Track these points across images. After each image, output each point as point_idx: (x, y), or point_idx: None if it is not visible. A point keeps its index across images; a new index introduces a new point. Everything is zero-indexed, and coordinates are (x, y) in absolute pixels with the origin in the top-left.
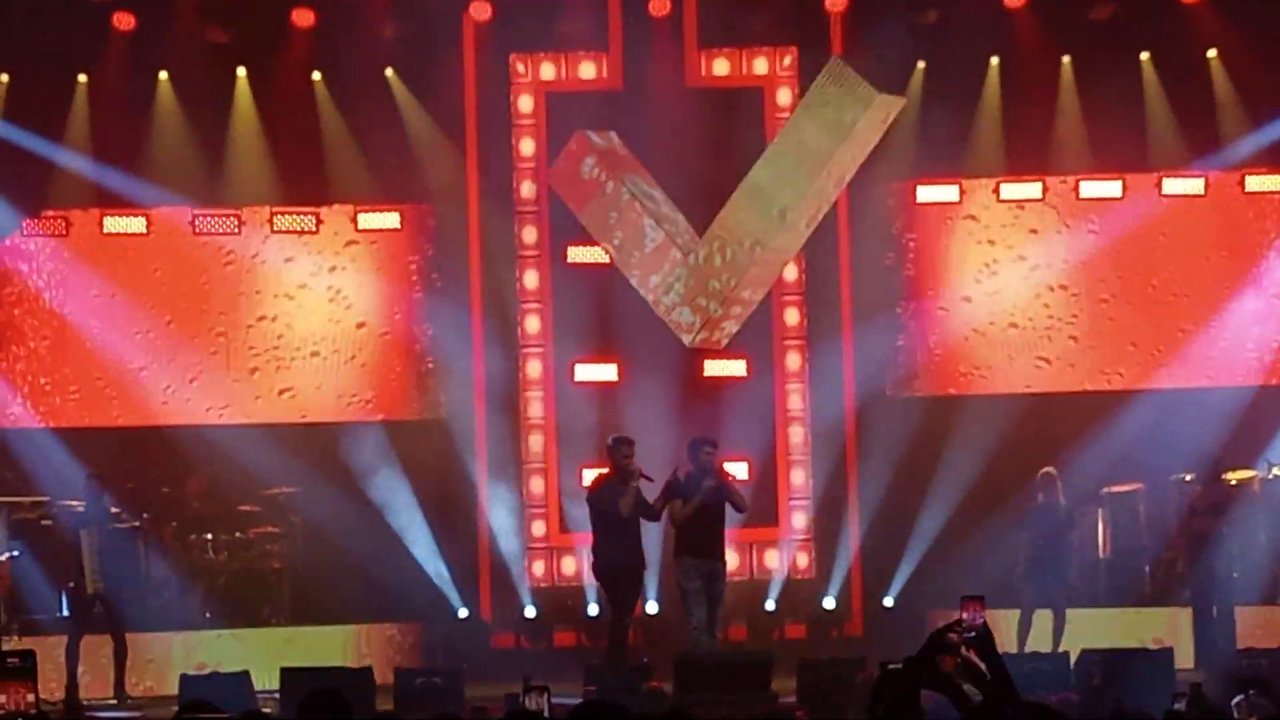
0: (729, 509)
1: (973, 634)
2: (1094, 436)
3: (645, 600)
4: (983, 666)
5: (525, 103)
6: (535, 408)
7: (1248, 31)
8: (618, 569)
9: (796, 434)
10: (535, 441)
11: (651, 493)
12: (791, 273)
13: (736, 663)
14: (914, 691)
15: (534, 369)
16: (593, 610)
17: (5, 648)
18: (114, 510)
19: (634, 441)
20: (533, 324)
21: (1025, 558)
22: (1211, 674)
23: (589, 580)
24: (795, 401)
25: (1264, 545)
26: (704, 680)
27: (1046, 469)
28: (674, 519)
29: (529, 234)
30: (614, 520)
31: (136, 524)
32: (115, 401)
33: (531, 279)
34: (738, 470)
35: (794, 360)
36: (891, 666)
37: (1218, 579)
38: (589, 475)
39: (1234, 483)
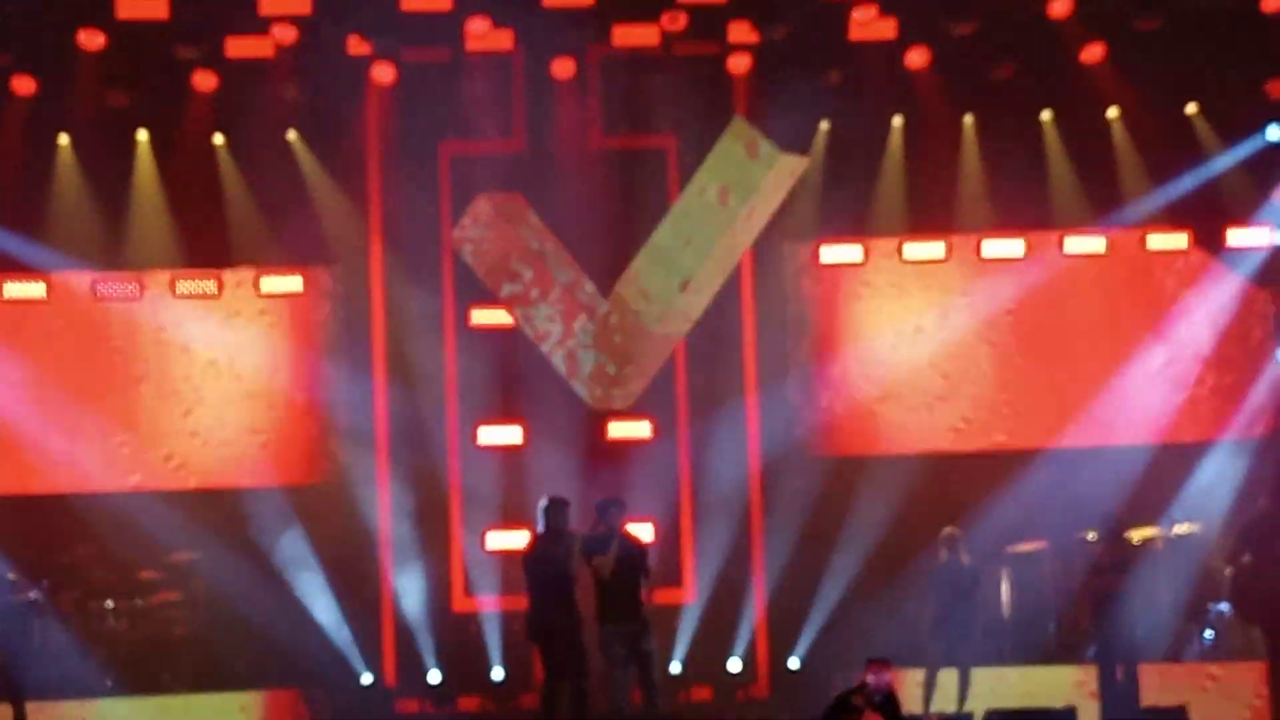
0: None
1: (878, 697)
2: (998, 496)
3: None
4: None
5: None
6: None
7: (1147, 91)
8: (554, 631)
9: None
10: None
11: None
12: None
13: None
14: None
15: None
16: (497, 675)
17: None
18: (10, 578)
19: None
20: None
21: (930, 617)
22: None
23: (494, 644)
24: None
25: (1167, 603)
26: None
27: (949, 528)
28: (598, 576)
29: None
30: (549, 581)
31: (34, 594)
32: (13, 468)
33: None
34: (643, 532)
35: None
36: None
37: (1122, 637)
38: (493, 538)
39: (1137, 541)
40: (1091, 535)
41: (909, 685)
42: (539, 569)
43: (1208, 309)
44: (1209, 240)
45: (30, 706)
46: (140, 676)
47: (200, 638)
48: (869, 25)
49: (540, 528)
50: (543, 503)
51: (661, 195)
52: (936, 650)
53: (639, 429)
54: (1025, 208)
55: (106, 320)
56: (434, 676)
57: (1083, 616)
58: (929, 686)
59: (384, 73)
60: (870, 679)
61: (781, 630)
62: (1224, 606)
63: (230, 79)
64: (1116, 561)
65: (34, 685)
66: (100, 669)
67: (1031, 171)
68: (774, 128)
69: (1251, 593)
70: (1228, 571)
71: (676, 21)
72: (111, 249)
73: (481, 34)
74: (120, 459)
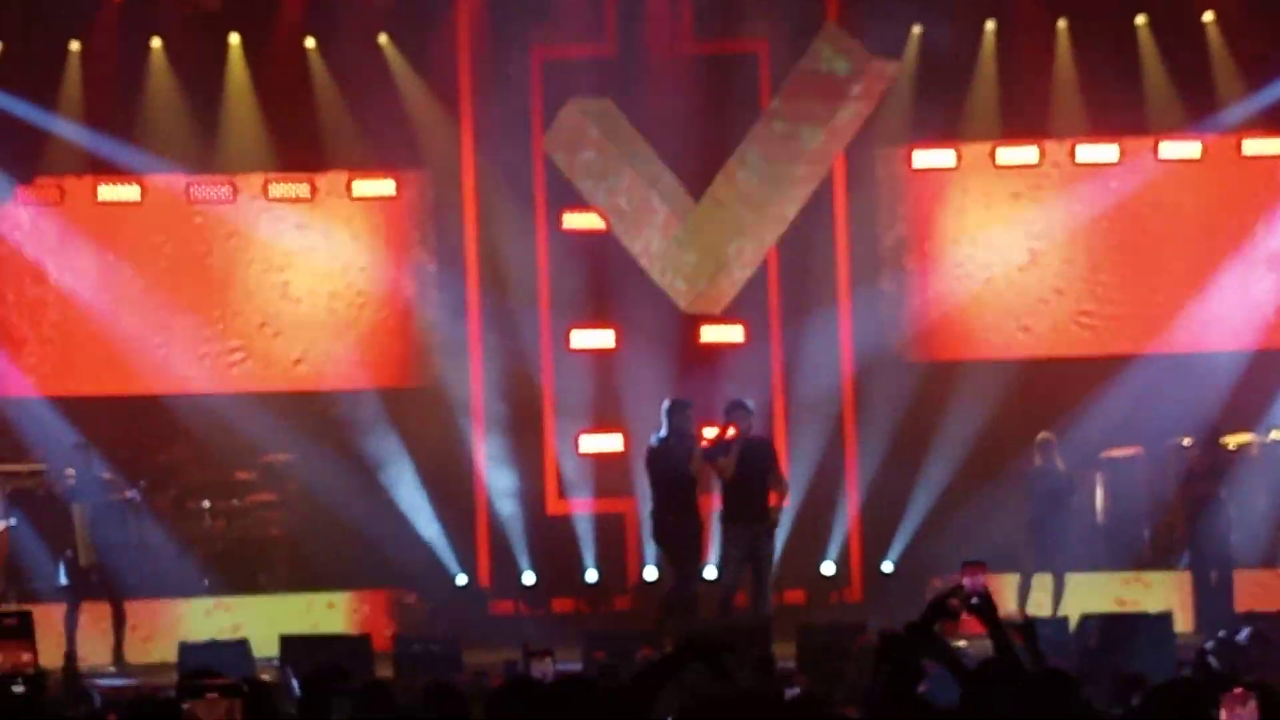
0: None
1: (975, 600)
2: (1092, 401)
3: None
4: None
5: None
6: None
7: None
8: (674, 532)
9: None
10: (507, 410)
11: None
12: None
13: (736, 630)
14: (915, 658)
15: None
16: (591, 577)
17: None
18: (108, 478)
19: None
20: None
21: (1025, 522)
22: (1213, 638)
23: (587, 547)
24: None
25: (1262, 509)
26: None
27: (1044, 434)
28: (721, 476)
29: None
30: (670, 482)
31: (131, 493)
32: (111, 370)
33: None
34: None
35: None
36: (892, 633)
37: (1216, 543)
38: (586, 441)
39: (1232, 447)
40: (1187, 441)
41: (1003, 590)
42: (660, 469)
43: None
44: None
45: (128, 605)
46: (235, 576)
47: (295, 538)
48: None
49: (663, 429)
50: (665, 404)
51: (753, 100)
52: (1031, 555)
53: (732, 333)
54: (1119, 113)
55: (201, 223)
56: (528, 578)
57: (1177, 522)
58: (1024, 591)
59: None
60: (966, 581)
61: (875, 534)
62: None
63: None
64: (1211, 468)
65: (131, 584)
66: (197, 568)
67: (1126, 76)
68: (866, 32)
69: None
70: None
71: None
72: (205, 152)
73: None
74: (215, 360)
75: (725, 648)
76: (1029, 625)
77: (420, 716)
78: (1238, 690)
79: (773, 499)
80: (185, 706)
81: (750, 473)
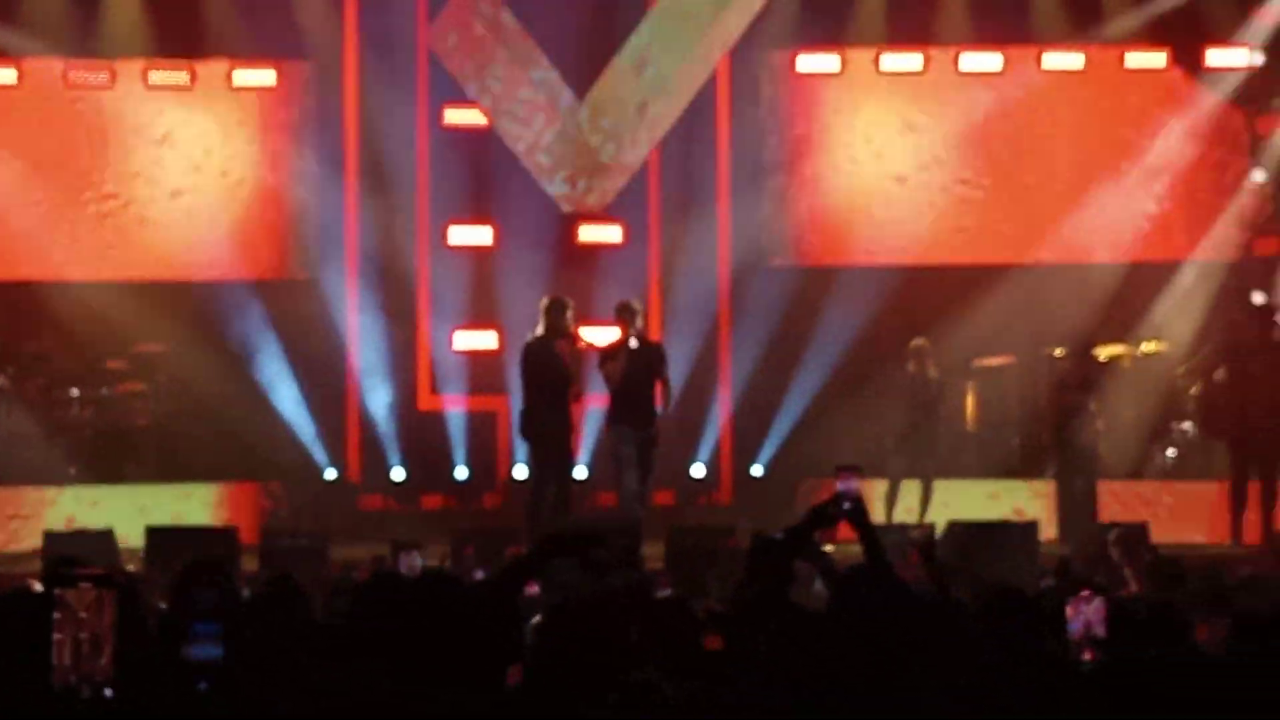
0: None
1: (847, 505)
2: (968, 310)
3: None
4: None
5: None
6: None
7: None
8: (546, 431)
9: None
10: (380, 304)
11: None
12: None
13: (605, 529)
14: (788, 561)
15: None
16: (461, 474)
17: None
18: None
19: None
20: None
21: (895, 429)
22: (1076, 547)
23: (458, 443)
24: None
25: (1130, 421)
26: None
27: (917, 340)
28: (609, 383)
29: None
30: (549, 383)
31: None
32: None
33: None
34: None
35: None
36: (766, 536)
37: (1083, 454)
38: (461, 338)
39: (1103, 359)
40: (1059, 352)
41: (872, 497)
42: (535, 368)
43: (1183, 129)
44: (1187, 60)
45: None
46: (104, 465)
47: (164, 429)
48: None
49: (540, 327)
50: (543, 302)
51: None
52: (900, 462)
53: (610, 233)
54: (1004, 22)
55: (78, 108)
56: (398, 474)
57: (1047, 431)
58: (892, 498)
59: None
60: (840, 485)
61: (746, 438)
62: (1187, 426)
63: None
64: (1084, 379)
65: None
66: (64, 457)
67: None
68: None
69: (1220, 409)
70: (1194, 390)
71: None
72: (84, 36)
73: None
74: (88, 247)
75: (593, 542)
76: (929, 543)
77: (261, 609)
78: (1085, 591)
79: (658, 400)
80: (55, 593)
81: (639, 375)
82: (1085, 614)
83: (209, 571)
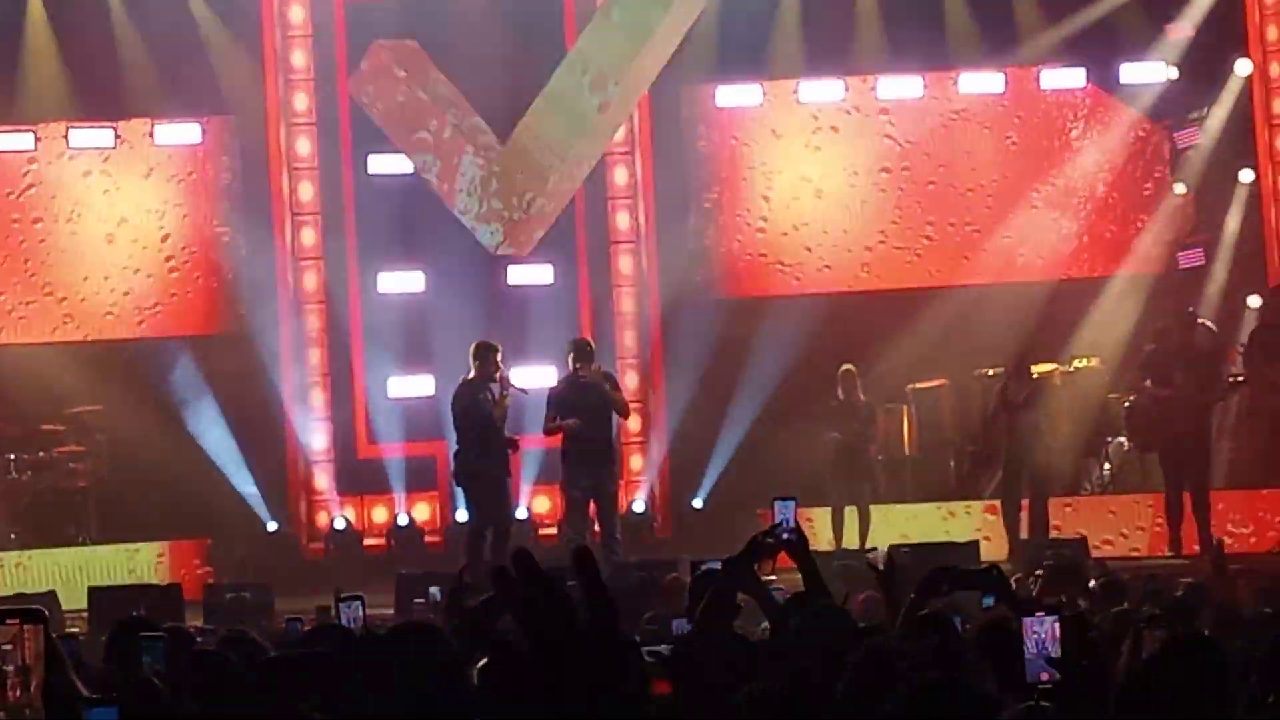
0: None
1: (786, 536)
2: (897, 334)
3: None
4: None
5: (297, 13)
6: (313, 320)
7: None
8: (480, 473)
9: (629, 337)
10: (314, 355)
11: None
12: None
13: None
14: (731, 593)
15: (310, 281)
16: (403, 520)
17: None
18: None
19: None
20: (308, 236)
21: (827, 455)
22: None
23: (398, 489)
24: (626, 304)
25: (1064, 437)
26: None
27: (845, 366)
28: (567, 431)
29: (302, 146)
30: (479, 426)
31: None
32: None
33: (306, 191)
34: (545, 378)
35: (625, 263)
36: (706, 568)
37: (1034, 471)
38: (396, 385)
39: (1035, 376)
40: (991, 371)
41: (814, 525)
42: (465, 411)
43: (1103, 145)
44: (1104, 77)
45: None
46: (44, 529)
47: (104, 490)
48: None
49: (470, 371)
50: (472, 346)
51: (559, 40)
52: (838, 488)
53: (540, 274)
54: (921, 48)
55: (3, 172)
56: (339, 523)
57: (991, 452)
58: (836, 525)
59: None
60: (776, 515)
61: (684, 471)
62: (1121, 440)
63: None
64: (1029, 397)
65: None
66: (5, 521)
67: (927, 10)
68: None
69: (1149, 420)
70: (1125, 404)
71: None
72: (5, 100)
73: None
74: (18, 311)
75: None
76: (890, 571)
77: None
78: (1038, 612)
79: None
80: None
81: (590, 414)
82: (1039, 634)
83: (141, 629)
